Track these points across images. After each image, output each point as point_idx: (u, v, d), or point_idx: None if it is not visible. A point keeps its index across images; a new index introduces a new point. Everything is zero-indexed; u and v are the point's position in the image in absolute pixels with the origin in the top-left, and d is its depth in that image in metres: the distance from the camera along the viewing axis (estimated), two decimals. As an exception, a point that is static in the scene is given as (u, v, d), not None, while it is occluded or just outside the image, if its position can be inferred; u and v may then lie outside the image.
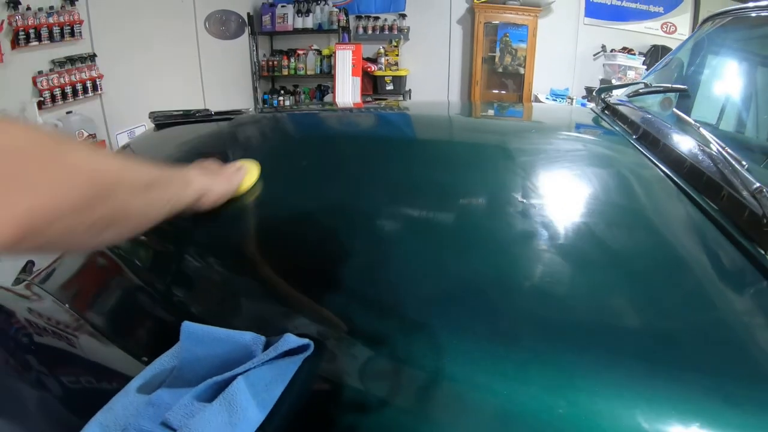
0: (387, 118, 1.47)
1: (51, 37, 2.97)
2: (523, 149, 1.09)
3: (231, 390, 0.50)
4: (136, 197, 0.49)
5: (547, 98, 4.95)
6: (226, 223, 0.80)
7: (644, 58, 4.80)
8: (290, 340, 0.55)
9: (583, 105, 3.75)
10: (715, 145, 0.84)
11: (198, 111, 1.33)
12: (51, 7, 2.97)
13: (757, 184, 0.68)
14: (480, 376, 0.49)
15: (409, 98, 5.42)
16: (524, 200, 0.80)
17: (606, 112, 1.45)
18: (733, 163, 0.76)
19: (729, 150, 0.83)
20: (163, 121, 1.30)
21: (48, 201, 0.38)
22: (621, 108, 1.33)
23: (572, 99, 4.86)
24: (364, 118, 1.49)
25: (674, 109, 1.10)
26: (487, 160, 1.03)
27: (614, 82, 4.66)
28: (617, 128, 1.20)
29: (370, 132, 1.31)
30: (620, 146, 1.08)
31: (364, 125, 1.40)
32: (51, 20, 2.95)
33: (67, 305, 0.84)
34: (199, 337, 0.57)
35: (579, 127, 1.42)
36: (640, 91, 1.41)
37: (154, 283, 0.81)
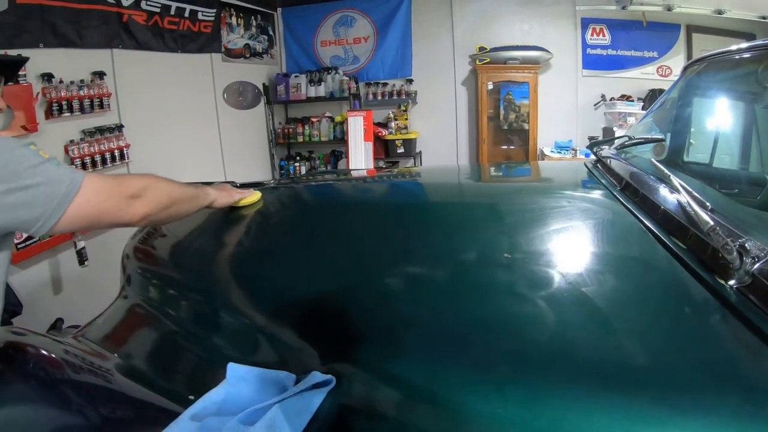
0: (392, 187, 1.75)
1: (82, 109, 3.18)
2: (517, 210, 1.27)
3: (270, 414, 0.62)
4: (188, 203, 1.09)
5: (552, 151, 5.10)
6: (259, 280, 0.95)
7: (643, 103, 4.94)
8: (316, 376, 0.67)
9: (587, 155, 3.89)
10: (684, 192, 0.96)
11: (226, 183, 1.52)
12: (81, 81, 3.21)
13: (711, 224, 0.79)
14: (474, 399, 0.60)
15: (420, 160, 5.63)
16: (509, 255, 0.94)
17: (598, 165, 1.58)
18: (695, 206, 0.88)
19: (695, 194, 0.95)
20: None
21: (156, 202, 0.96)
22: (609, 161, 1.47)
23: (576, 150, 5.00)
24: (368, 189, 1.77)
25: (652, 160, 1.23)
26: (479, 222, 1.20)
27: (615, 129, 4.81)
28: (604, 181, 1.33)
29: (374, 202, 1.55)
30: (604, 199, 1.20)
31: (365, 196, 1.65)
32: (82, 93, 3.19)
33: (115, 355, 0.98)
34: (241, 376, 0.71)
35: (570, 183, 1.56)
36: (625, 144, 1.55)
37: (196, 336, 0.95)
